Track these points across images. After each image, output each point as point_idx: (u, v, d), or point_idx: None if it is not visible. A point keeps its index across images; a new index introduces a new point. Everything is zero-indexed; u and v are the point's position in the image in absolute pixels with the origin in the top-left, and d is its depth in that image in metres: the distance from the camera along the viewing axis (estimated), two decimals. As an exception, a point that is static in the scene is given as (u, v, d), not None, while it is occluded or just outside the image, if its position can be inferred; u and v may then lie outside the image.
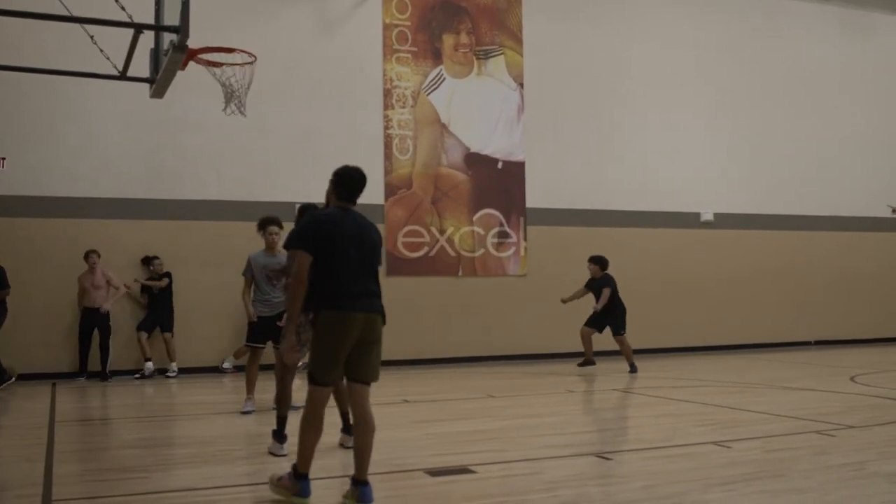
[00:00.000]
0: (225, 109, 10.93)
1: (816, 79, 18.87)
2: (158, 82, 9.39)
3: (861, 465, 6.08)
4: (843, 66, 19.20)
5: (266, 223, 9.03)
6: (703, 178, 17.61)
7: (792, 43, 18.73)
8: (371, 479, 5.72)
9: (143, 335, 13.40)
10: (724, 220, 17.72)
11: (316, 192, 14.10)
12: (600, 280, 13.93)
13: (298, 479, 5.13)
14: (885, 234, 19.26)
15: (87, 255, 13.04)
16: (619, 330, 13.73)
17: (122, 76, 9.88)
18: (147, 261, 13.64)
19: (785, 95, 18.53)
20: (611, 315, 13.79)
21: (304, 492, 5.11)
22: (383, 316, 5.31)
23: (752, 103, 18.19)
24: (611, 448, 6.80)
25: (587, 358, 13.96)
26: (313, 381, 5.17)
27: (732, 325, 17.57)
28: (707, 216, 17.58)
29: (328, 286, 5.13)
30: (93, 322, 13.00)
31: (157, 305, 13.54)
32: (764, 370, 13.65)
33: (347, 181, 5.37)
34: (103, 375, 12.91)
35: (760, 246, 17.94)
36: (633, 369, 13.50)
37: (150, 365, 13.33)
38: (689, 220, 17.45)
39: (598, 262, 14.06)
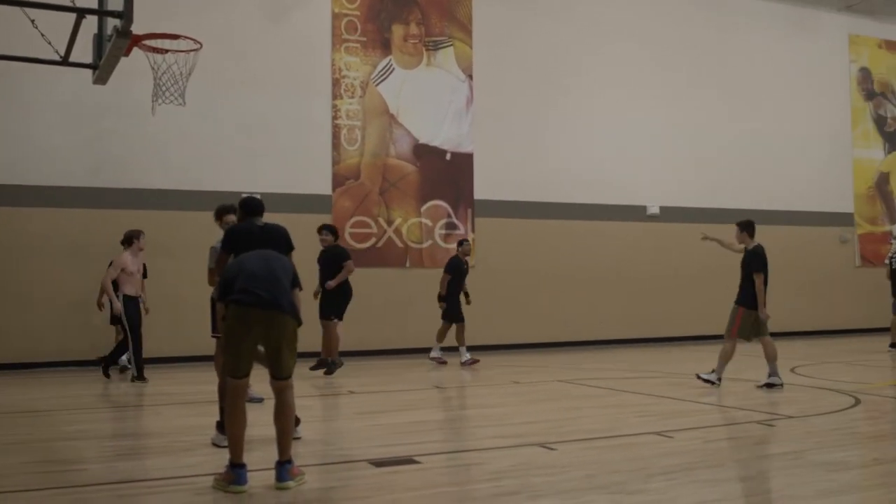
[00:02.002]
0: (155, 102, 10.42)
1: (762, 75, 19.15)
2: (101, 68, 9.24)
3: (799, 455, 6.20)
4: (789, 62, 19.52)
5: (223, 212, 8.27)
6: (650, 172, 17.80)
7: (739, 39, 19.00)
8: (315, 469, 5.72)
9: (115, 328, 13.22)
10: (670, 214, 17.92)
11: (262, 181, 14.17)
12: (337, 251, 12.03)
13: (234, 469, 5.29)
14: (826, 229, 19.64)
15: (137, 236, 11.50)
16: (339, 314, 11.96)
17: (65, 62, 9.69)
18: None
19: (731, 91, 18.79)
20: (338, 294, 11.95)
21: (240, 480, 5.25)
22: (295, 316, 5.55)
23: (698, 98, 18.41)
24: (554, 438, 6.85)
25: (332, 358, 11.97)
26: (227, 373, 5.49)
27: (679, 317, 17.78)
28: (653, 209, 17.77)
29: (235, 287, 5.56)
30: (135, 311, 11.53)
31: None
32: (708, 362, 13.79)
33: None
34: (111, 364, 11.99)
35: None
36: (329, 366, 11.85)
37: None
38: (635, 214, 17.62)
39: (332, 231, 12.14)
